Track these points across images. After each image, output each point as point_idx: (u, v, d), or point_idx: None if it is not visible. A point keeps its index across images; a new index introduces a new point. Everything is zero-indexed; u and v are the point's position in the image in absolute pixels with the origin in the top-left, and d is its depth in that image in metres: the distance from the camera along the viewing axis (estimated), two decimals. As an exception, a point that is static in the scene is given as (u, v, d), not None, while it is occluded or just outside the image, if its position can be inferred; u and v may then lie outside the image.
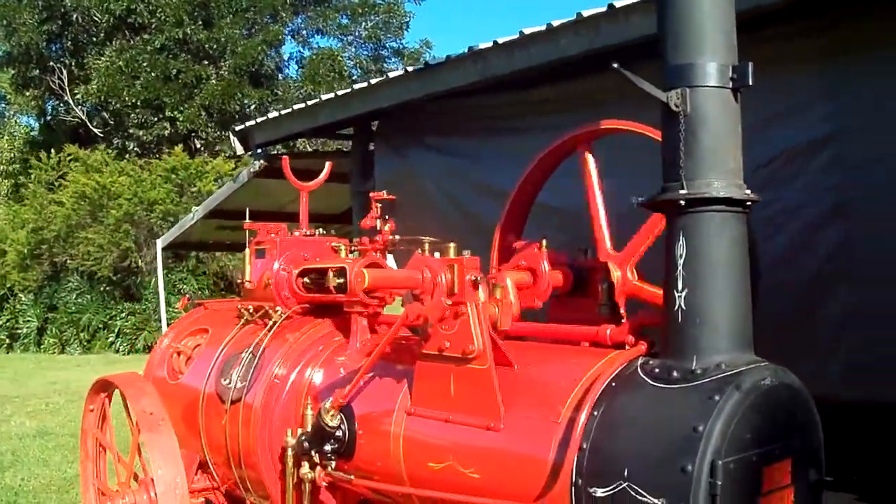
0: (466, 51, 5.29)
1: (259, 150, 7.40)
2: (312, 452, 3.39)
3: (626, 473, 2.35)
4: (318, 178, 4.46)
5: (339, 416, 3.30)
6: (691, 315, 2.45)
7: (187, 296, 5.26)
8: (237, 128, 7.49)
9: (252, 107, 25.77)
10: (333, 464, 3.36)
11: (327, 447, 3.35)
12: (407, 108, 6.27)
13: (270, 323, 3.96)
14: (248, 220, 4.23)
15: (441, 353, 2.93)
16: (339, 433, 3.33)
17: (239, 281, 4.29)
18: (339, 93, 6.48)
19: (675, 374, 2.44)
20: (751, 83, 2.46)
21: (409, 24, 29.66)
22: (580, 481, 2.45)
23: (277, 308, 4.00)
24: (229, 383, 3.94)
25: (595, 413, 2.49)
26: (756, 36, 4.18)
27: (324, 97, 6.78)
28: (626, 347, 2.77)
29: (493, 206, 5.87)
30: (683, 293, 2.47)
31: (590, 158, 3.37)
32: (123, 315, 19.16)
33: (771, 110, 4.10)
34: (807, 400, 2.51)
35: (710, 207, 2.45)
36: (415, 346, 3.33)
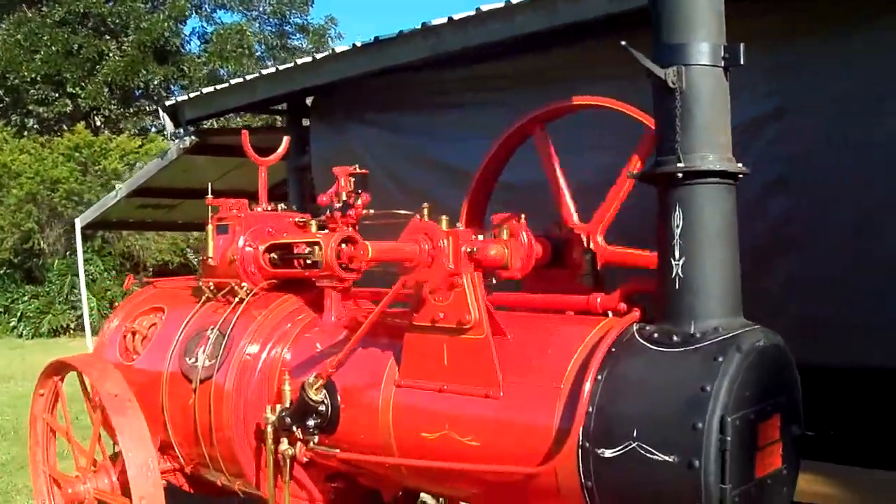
0: (420, 26, 5.28)
1: (190, 127, 7.17)
2: (294, 428, 3.37)
3: (635, 434, 2.45)
4: (276, 153, 4.39)
5: (323, 391, 3.29)
6: (689, 282, 2.57)
7: (131, 275, 5.05)
8: (168, 103, 7.23)
9: (156, 83, 24.85)
10: (315, 438, 3.35)
11: (310, 422, 3.34)
12: (347, 84, 6.21)
13: (236, 300, 3.90)
14: (210, 196, 4.12)
15: (434, 325, 2.96)
16: (321, 408, 3.33)
17: (201, 258, 4.17)
18: (281, 67, 6.34)
19: (675, 338, 2.55)
20: (742, 63, 2.59)
21: (314, 0, 29.30)
22: (587, 444, 2.54)
23: (243, 284, 3.93)
24: (195, 362, 3.87)
25: (599, 378, 2.58)
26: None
27: (264, 72, 6.62)
28: (615, 315, 2.88)
29: (440, 181, 5.94)
30: (681, 262, 2.58)
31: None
32: (26, 298, 18.28)
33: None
34: (791, 359, 2.67)
35: (705, 180, 2.56)
36: (395, 319, 3.37)
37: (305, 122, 6.92)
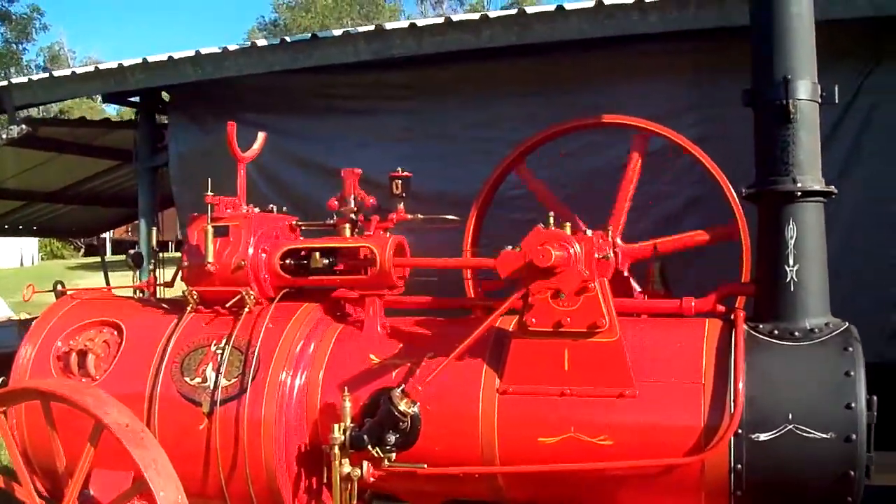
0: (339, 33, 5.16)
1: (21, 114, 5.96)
2: (369, 446, 3.16)
3: (790, 417, 2.81)
4: (254, 148, 4.00)
5: (413, 404, 3.14)
6: (802, 286, 3.01)
7: (32, 284, 4.10)
8: None
9: None
10: (393, 455, 3.18)
11: (390, 438, 3.16)
12: (219, 82, 5.76)
13: (245, 311, 3.50)
14: (209, 193, 3.64)
15: (558, 330, 3.03)
16: (401, 423, 3.17)
17: (184, 263, 3.64)
18: (151, 59, 5.58)
19: (796, 334, 2.97)
20: (836, 101, 3.10)
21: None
22: (740, 431, 2.84)
23: (250, 293, 3.53)
24: (204, 383, 3.40)
25: (738, 371, 2.89)
26: (634, 49, 4.94)
27: (133, 61, 5.77)
28: (712, 316, 3.22)
29: (321, 185, 5.78)
30: (795, 268, 3.01)
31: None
32: None
33: (652, 113, 4.81)
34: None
35: (813, 199, 3.03)
36: (468, 327, 3.35)
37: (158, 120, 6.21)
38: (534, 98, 5.37)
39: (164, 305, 3.90)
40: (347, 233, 3.59)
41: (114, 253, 26.99)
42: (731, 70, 4.83)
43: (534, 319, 3.05)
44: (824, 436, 2.78)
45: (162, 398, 3.44)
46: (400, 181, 3.57)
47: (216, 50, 5.43)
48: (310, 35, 5.28)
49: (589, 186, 4.90)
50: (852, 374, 2.82)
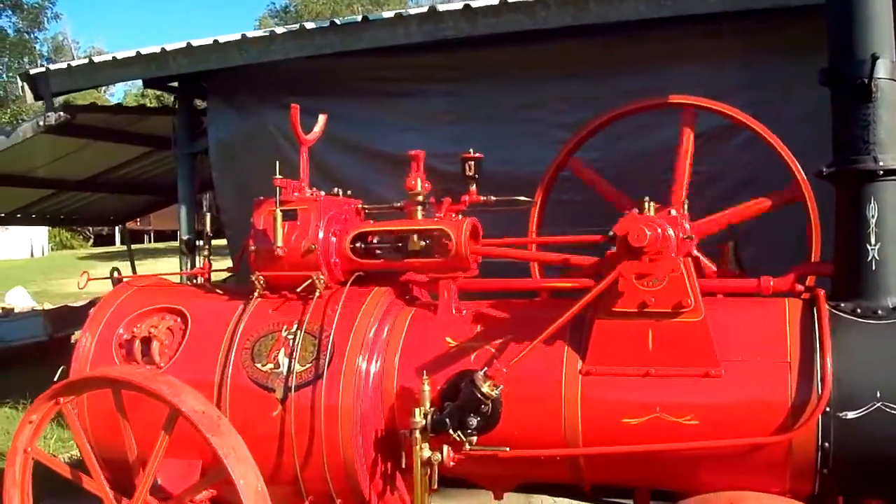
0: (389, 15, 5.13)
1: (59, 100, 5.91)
2: (451, 430, 3.15)
3: (878, 395, 2.82)
4: (315, 131, 3.97)
5: (496, 387, 3.13)
6: (884, 264, 3.02)
7: (87, 272, 4.08)
8: (32, 71, 5.87)
9: None
10: (474, 439, 3.17)
11: (472, 421, 3.15)
12: (259, 66, 5.73)
13: (316, 295, 3.49)
14: (277, 176, 3.61)
15: (641, 311, 3.03)
16: (483, 406, 3.16)
17: (249, 247, 3.63)
18: (195, 43, 5.53)
19: (880, 312, 2.98)
20: (911, 81, 3.10)
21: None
22: (828, 409, 2.85)
23: (320, 277, 3.52)
24: (277, 369, 3.40)
25: (824, 350, 2.90)
26: (682, 30, 4.92)
27: (177, 45, 5.71)
28: (791, 295, 3.22)
29: (368, 169, 5.77)
30: (877, 247, 3.02)
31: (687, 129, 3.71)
32: None
33: (702, 94, 4.81)
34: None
35: (894, 178, 3.03)
36: (544, 309, 3.36)
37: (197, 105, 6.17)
38: (580, 80, 5.37)
39: (226, 291, 3.89)
40: (419, 215, 3.58)
41: (122, 242, 26.91)
42: (782, 51, 4.86)
43: (618, 300, 3.06)
44: (914, 412, 2.80)
45: (233, 385, 3.43)
46: (473, 162, 3.56)
47: (262, 33, 5.39)
48: (360, 17, 5.24)
49: (637, 168, 4.91)
50: (939, 351, 2.84)
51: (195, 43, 5.51)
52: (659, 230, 2.94)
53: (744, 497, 2.75)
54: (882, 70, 3.02)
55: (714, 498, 2.66)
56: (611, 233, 2.97)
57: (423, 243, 3.50)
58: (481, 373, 3.13)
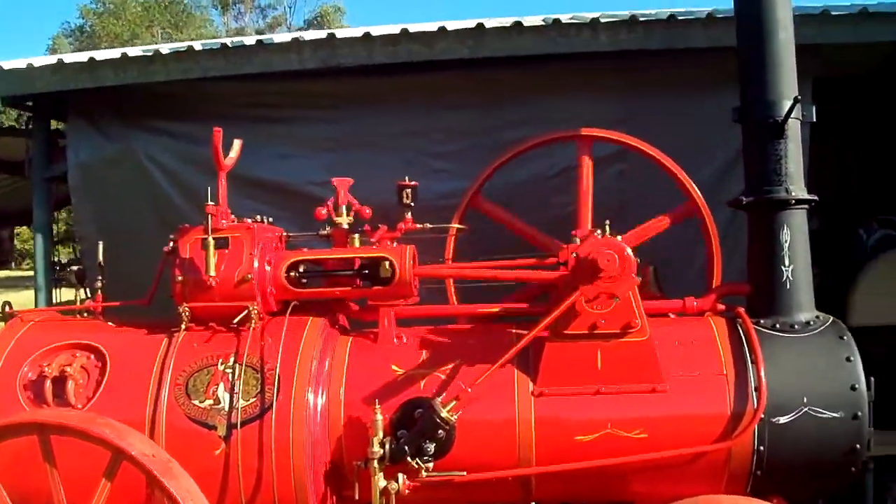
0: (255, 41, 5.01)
1: None
2: (409, 458, 3.12)
3: (805, 400, 3.13)
4: (231, 156, 3.79)
5: (457, 412, 3.14)
6: (796, 284, 3.37)
7: None
8: None
9: None
10: (431, 465, 3.16)
11: (429, 447, 3.15)
12: (125, 87, 5.38)
13: (252, 326, 3.35)
14: (209, 203, 3.41)
15: (591, 332, 3.18)
16: (440, 431, 3.16)
17: (177, 279, 3.39)
18: (67, 59, 5.03)
19: (795, 326, 3.32)
20: (814, 119, 3.51)
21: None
22: (763, 416, 3.12)
23: (255, 308, 3.37)
24: (217, 405, 3.21)
25: (757, 361, 3.19)
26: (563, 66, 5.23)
27: (44, 60, 5.14)
28: (713, 314, 3.50)
29: (240, 195, 5.54)
30: (790, 268, 3.37)
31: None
32: None
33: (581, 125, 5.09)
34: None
35: (803, 206, 3.41)
36: (488, 334, 3.43)
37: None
38: (462, 111, 5.49)
39: (139, 325, 3.61)
40: (357, 243, 3.52)
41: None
42: (656, 87, 5.27)
43: (569, 323, 3.18)
44: (835, 415, 3.14)
45: (168, 424, 3.19)
46: (409, 190, 3.56)
47: (144, 52, 5.05)
48: (255, 40, 5.06)
49: (522, 196, 5.10)
50: (852, 359, 3.20)
51: (67, 59, 5.07)
52: (625, 252, 3.11)
53: (718, 500, 2.94)
54: (790, 110, 3.39)
55: (691, 503, 2.83)
56: (574, 254, 3.09)
57: (365, 271, 3.45)
58: (439, 399, 3.14)
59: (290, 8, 43.52)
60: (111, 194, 5.63)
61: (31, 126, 5.67)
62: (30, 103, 5.63)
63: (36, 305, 5.58)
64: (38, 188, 5.55)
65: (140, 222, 5.63)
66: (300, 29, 42.78)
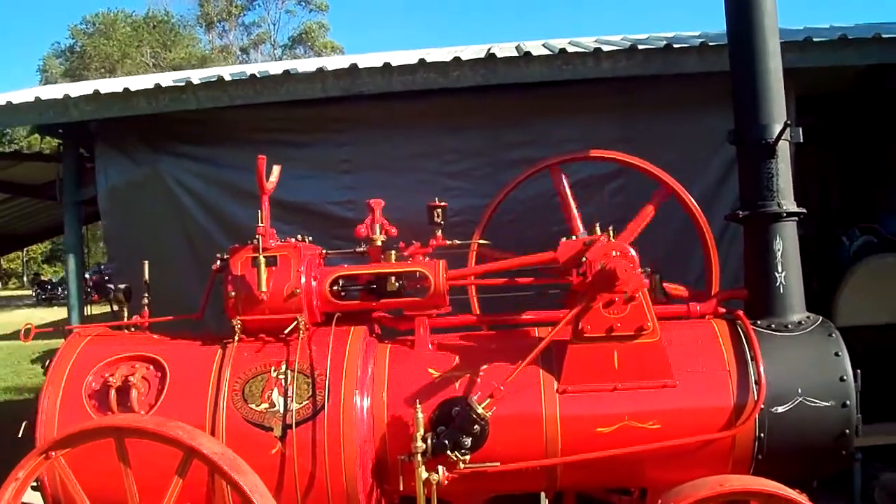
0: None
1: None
2: (449, 451, 3.47)
3: (799, 391, 3.52)
4: (272, 180, 4.13)
5: (492, 409, 3.49)
6: (788, 288, 3.76)
7: (31, 324, 3.87)
8: None
9: None
10: (468, 458, 3.51)
11: (466, 441, 3.49)
12: (152, 115, 5.71)
13: (301, 335, 3.69)
14: (260, 224, 3.74)
15: (608, 335, 3.54)
16: (475, 427, 3.51)
17: (230, 294, 3.72)
18: (103, 90, 5.35)
19: (789, 326, 3.71)
20: (801, 140, 3.90)
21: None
22: (762, 406, 3.50)
23: (301, 319, 3.72)
24: (273, 408, 3.55)
25: (756, 358, 3.57)
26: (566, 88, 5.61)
27: (80, 90, 5.46)
28: (715, 317, 3.88)
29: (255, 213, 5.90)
30: (783, 274, 3.76)
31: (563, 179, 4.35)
32: None
33: (580, 146, 5.46)
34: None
35: (793, 218, 3.80)
36: (509, 339, 3.80)
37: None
38: (468, 132, 5.87)
39: (193, 337, 3.94)
40: (393, 258, 3.88)
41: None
42: (651, 110, 5.68)
43: (589, 326, 3.55)
44: (826, 404, 3.52)
45: (228, 426, 3.51)
46: (439, 210, 3.92)
47: (175, 82, 5.39)
48: (281, 69, 5.41)
49: (528, 212, 5.48)
50: (840, 353, 3.59)
51: (103, 90, 5.39)
52: (635, 259, 3.49)
53: (728, 478, 3.30)
54: (781, 133, 3.78)
55: (702, 482, 3.19)
56: (598, 264, 3.46)
57: (397, 284, 3.81)
58: (475, 397, 3.50)
59: (275, 25, 43.89)
60: (140, 216, 5.95)
61: (62, 151, 5.96)
62: (60, 130, 5.94)
63: (70, 323, 5.88)
64: (70, 211, 5.85)
65: (168, 242, 5.96)
66: (284, 46, 43.15)
